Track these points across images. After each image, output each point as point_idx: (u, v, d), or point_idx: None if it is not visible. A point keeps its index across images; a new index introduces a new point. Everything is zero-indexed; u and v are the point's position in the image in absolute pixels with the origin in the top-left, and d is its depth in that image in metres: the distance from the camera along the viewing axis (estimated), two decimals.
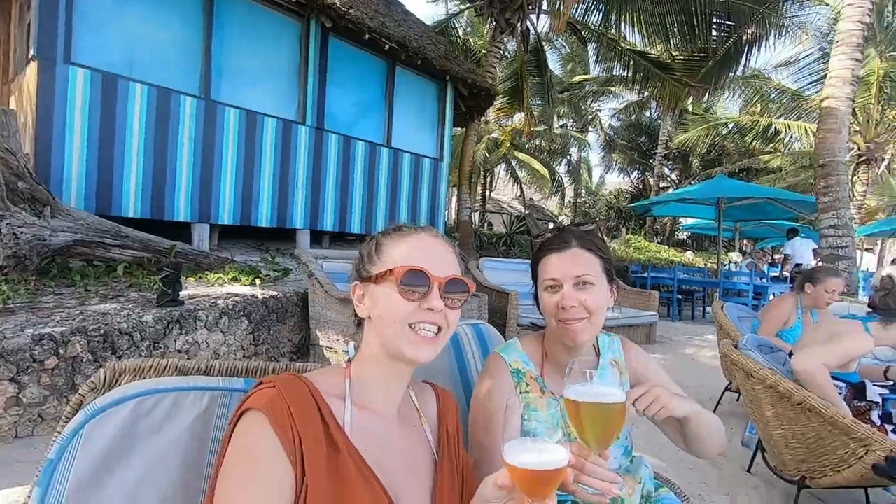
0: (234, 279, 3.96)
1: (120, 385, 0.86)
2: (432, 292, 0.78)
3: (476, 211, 17.93)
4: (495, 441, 0.99)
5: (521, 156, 20.10)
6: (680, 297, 8.47)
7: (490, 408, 1.05)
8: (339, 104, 6.18)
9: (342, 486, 0.70)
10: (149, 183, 4.60)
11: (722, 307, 3.46)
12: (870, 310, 2.22)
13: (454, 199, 12.30)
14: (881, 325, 2.09)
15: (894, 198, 14.68)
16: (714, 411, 3.47)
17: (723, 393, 3.52)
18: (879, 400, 2.22)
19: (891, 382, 2.65)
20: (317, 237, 6.38)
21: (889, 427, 2.05)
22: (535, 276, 1.13)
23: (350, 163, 6.35)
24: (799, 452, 2.04)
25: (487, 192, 21.80)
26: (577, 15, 8.90)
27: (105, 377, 0.86)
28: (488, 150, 18.88)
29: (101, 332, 2.51)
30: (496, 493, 0.69)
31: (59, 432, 0.78)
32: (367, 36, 5.78)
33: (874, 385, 2.28)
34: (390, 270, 0.78)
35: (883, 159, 11.82)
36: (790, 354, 2.24)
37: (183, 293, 3.15)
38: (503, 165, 22.04)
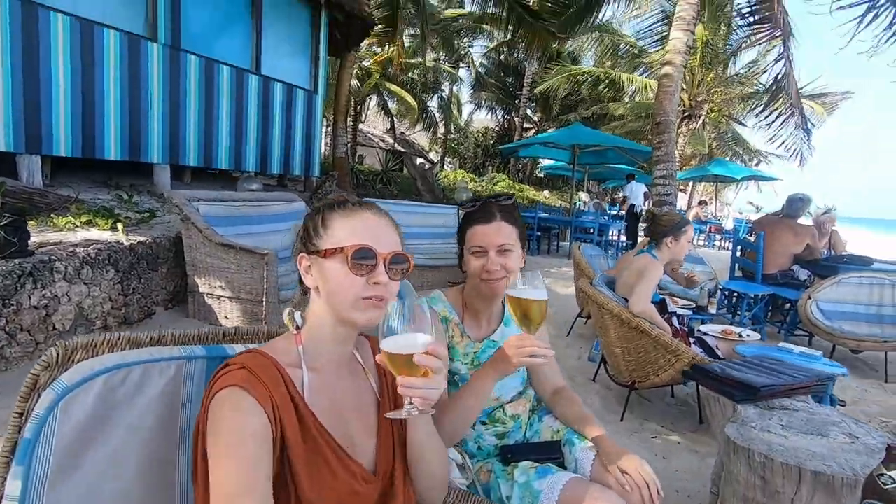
0: (89, 223, 3.51)
1: (73, 362, 0.87)
2: (378, 267, 0.84)
3: (348, 143, 17.35)
4: None
5: (392, 87, 19.61)
6: (539, 233, 9.45)
7: None
8: (197, 21, 5.44)
9: (311, 444, 0.83)
10: None
11: (579, 247, 4.05)
12: (648, 238, 2.83)
13: (327, 133, 11.74)
14: (657, 249, 2.70)
15: (704, 148, 17.56)
16: (567, 334, 4.15)
17: (575, 319, 4.20)
18: (675, 310, 2.95)
19: (693, 304, 3.46)
20: (177, 173, 5.78)
21: (692, 340, 2.72)
22: (461, 241, 1.33)
23: (214, 89, 5.73)
24: (632, 364, 2.63)
25: (358, 125, 21.08)
26: None
27: (58, 355, 0.85)
28: (359, 80, 18.07)
29: None
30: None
31: (26, 412, 0.79)
32: None
33: (671, 302, 3.02)
34: (340, 248, 0.84)
35: (700, 115, 13.98)
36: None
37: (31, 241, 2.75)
38: (374, 97, 21.35)
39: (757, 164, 21.76)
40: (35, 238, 2.99)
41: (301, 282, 0.93)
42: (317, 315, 0.90)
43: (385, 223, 0.91)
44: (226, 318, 3.52)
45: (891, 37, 6.85)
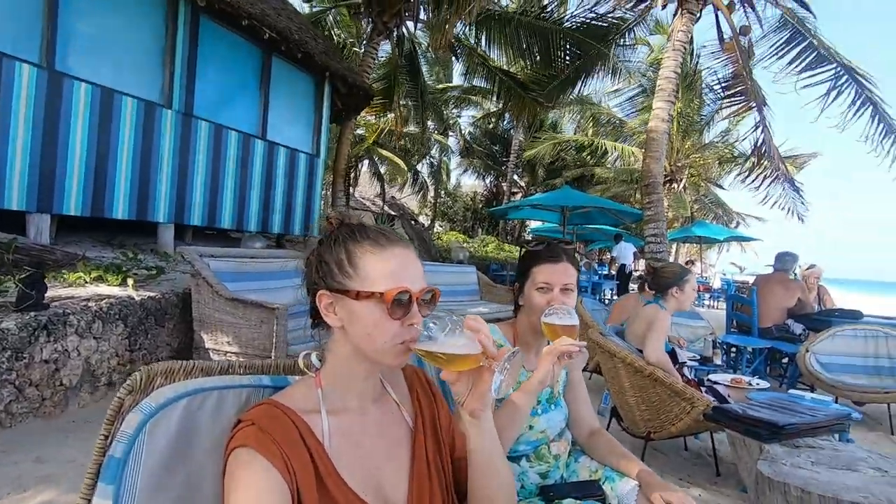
0: (99, 278, 3.53)
1: (154, 387, 0.91)
2: (413, 308, 0.80)
3: (345, 205, 17.67)
4: None
5: (383, 153, 20.32)
6: None
7: None
8: (210, 90, 5.74)
9: (329, 500, 0.78)
10: None
11: (581, 301, 4.13)
12: (653, 292, 2.90)
13: (323, 197, 12.04)
14: (664, 300, 2.76)
15: (686, 210, 18.25)
16: None
17: None
18: (686, 360, 3.01)
19: (698, 357, 3.52)
20: (179, 232, 5.84)
21: (703, 389, 2.75)
22: (523, 276, 1.41)
23: (221, 153, 5.94)
24: (647, 413, 2.64)
25: (350, 189, 21.60)
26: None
27: (141, 379, 0.89)
28: (351, 146, 18.73)
29: None
30: (456, 390, 0.83)
31: (112, 433, 0.82)
32: (245, 22, 5.48)
33: (681, 350, 3.09)
34: (380, 294, 0.79)
35: (681, 180, 14.65)
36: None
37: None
38: (366, 162, 22.05)
39: (736, 226, 22.55)
40: (48, 293, 2.99)
41: (312, 316, 0.89)
42: (340, 354, 0.86)
43: (412, 256, 0.86)
44: None
45: (855, 113, 7.46)
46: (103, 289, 3.39)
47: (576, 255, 1.48)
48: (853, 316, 4.96)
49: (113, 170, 4.79)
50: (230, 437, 0.80)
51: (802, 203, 8.14)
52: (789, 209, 8.13)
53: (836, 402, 4.04)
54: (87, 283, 3.45)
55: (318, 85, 7.38)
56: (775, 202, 8.01)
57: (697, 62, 10.39)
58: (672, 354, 2.87)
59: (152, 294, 3.46)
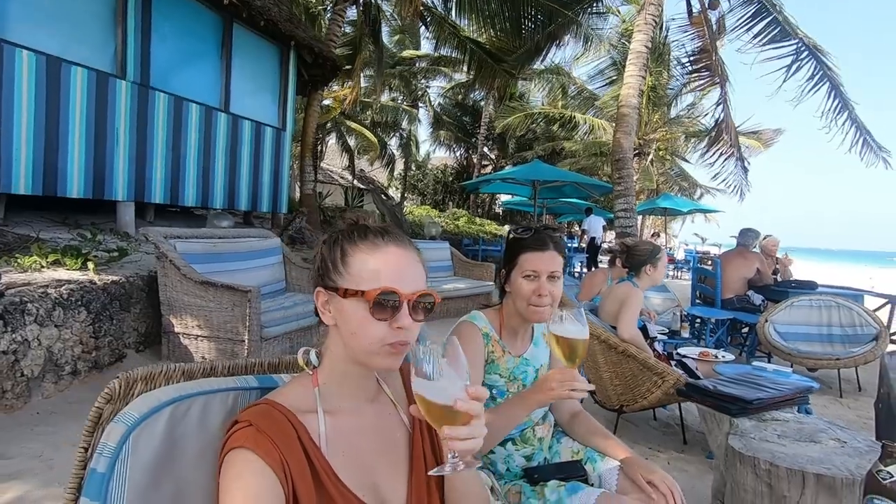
0: (56, 262, 3.35)
1: (133, 394, 0.87)
2: (402, 310, 0.78)
3: (314, 180, 17.25)
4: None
5: (352, 125, 19.82)
6: None
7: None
8: (167, 60, 5.42)
9: (327, 501, 0.78)
10: None
11: None
12: (626, 269, 2.95)
13: (295, 170, 11.64)
14: (637, 277, 2.81)
15: (652, 183, 18.63)
16: None
17: None
18: (657, 335, 3.11)
19: (667, 330, 3.64)
20: (139, 210, 5.60)
21: (672, 362, 2.86)
22: (510, 263, 1.40)
23: (182, 127, 5.66)
24: (619, 388, 2.73)
25: (317, 162, 21.06)
26: None
27: (120, 387, 0.85)
28: (319, 118, 18.16)
29: None
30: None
31: (91, 445, 0.78)
32: None
33: (652, 325, 3.19)
34: (362, 292, 0.78)
35: (648, 153, 14.89)
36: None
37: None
38: (333, 134, 21.49)
39: (700, 198, 23.21)
40: (1, 279, 2.83)
41: (318, 318, 0.88)
42: (335, 352, 0.85)
43: (410, 257, 0.84)
44: (203, 357, 3.40)
45: (812, 87, 7.67)
46: (62, 273, 3.23)
47: (561, 239, 1.48)
48: (809, 286, 5.22)
49: (65, 145, 4.50)
50: (227, 437, 0.78)
51: (746, 182, 8.51)
52: (735, 187, 8.49)
53: (792, 368, 4.31)
54: (43, 267, 3.28)
55: (284, 55, 7.07)
56: (724, 179, 8.35)
57: (667, 35, 10.44)
58: (643, 330, 2.96)
59: (115, 278, 3.31)
